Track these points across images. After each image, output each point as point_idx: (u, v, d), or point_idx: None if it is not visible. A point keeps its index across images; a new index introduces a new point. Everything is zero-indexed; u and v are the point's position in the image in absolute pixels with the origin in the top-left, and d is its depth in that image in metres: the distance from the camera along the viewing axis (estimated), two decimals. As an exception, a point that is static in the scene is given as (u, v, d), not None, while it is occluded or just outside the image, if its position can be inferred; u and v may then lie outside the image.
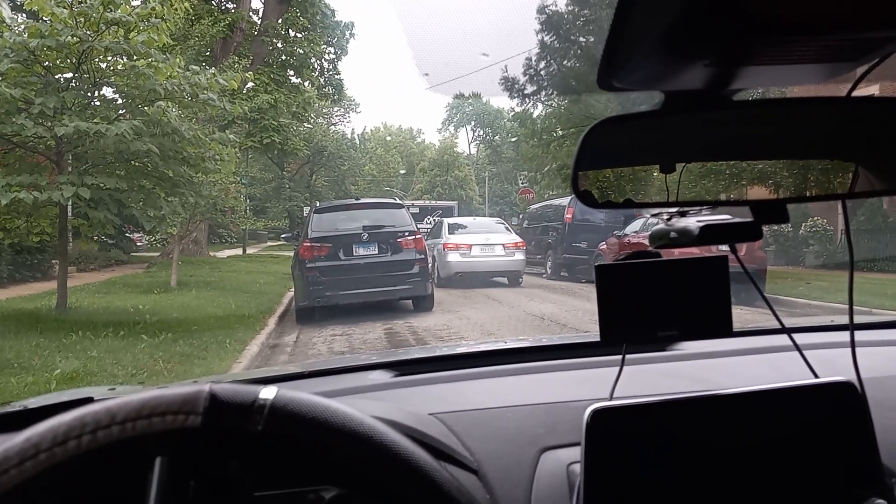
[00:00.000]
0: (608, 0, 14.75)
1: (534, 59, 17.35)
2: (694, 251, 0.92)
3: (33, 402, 1.09)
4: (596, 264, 0.85)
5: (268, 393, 0.56)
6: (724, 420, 0.81)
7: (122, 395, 0.55)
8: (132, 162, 7.83)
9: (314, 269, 8.92)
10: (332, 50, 25.22)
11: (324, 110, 38.97)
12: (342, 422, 0.57)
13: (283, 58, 22.96)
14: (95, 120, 7.14)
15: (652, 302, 0.86)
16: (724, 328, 0.88)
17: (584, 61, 16.32)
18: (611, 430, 0.78)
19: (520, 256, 13.64)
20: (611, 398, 0.85)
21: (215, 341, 6.79)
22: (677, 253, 0.91)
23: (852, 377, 0.83)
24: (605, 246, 13.03)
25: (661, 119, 0.75)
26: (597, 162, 0.81)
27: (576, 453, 0.84)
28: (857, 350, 0.85)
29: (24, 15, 9.59)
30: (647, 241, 0.93)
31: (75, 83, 7.66)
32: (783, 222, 0.77)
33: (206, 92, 7.88)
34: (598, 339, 0.86)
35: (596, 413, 0.78)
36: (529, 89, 17.82)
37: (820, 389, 0.83)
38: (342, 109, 47.94)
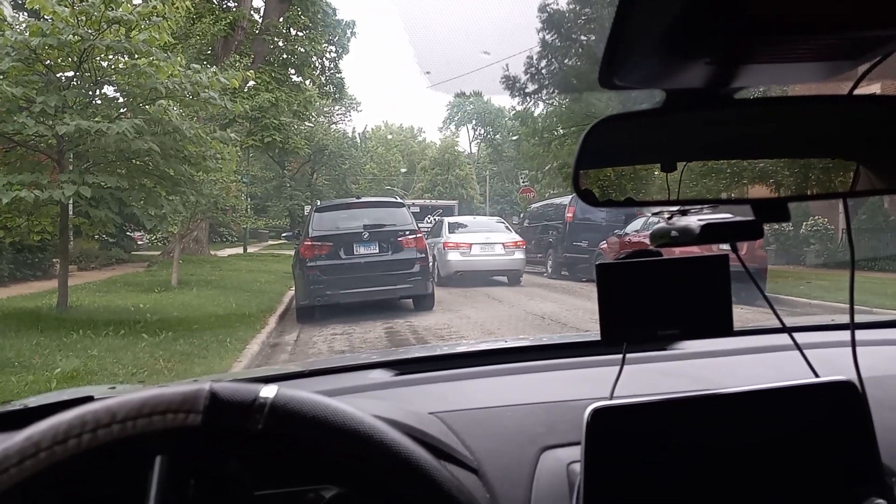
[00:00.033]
0: (609, -1, 14.75)
1: (535, 57, 17.35)
2: (695, 250, 0.92)
3: (34, 401, 1.10)
4: (597, 263, 0.85)
5: (268, 392, 0.56)
6: (724, 419, 0.81)
7: (123, 394, 0.56)
8: (133, 160, 7.83)
9: (315, 267, 8.91)
10: (333, 48, 25.27)
11: (325, 109, 39.04)
12: (342, 421, 0.57)
13: (285, 56, 22.98)
14: (96, 118, 7.15)
15: (652, 301, 0.86)
16: (724, 327, 0.88)
17: (586, 60, 16.30)
18: (611, 429, 0.78)
19: (520, 255, 13.62)
20: (611, 397, 0.85)
21: (216, 340, 6.79)
22: (678, 252, 0.91)
23: (853, 376, 0.83)
24: (605, 245, 13.02)
25: (662, 117, 0.75)
26: (598, 160, 0.80)
27: (576, 452, 0.84)
28: (858, 349, 0.85)
29: (25, 13, 9.59)
30: (647, 240, 0.93)
31: (76, 82, 7.66)
32: (784, 221, 0.77)
33: (207, 90, 7.89)
34: (598, 338, 0.86)
35: (596, 412, 0.78)
36: (530, 88, 17.82)
37: (820, 389, 0.83)
38: (343, 108, 48.06)
